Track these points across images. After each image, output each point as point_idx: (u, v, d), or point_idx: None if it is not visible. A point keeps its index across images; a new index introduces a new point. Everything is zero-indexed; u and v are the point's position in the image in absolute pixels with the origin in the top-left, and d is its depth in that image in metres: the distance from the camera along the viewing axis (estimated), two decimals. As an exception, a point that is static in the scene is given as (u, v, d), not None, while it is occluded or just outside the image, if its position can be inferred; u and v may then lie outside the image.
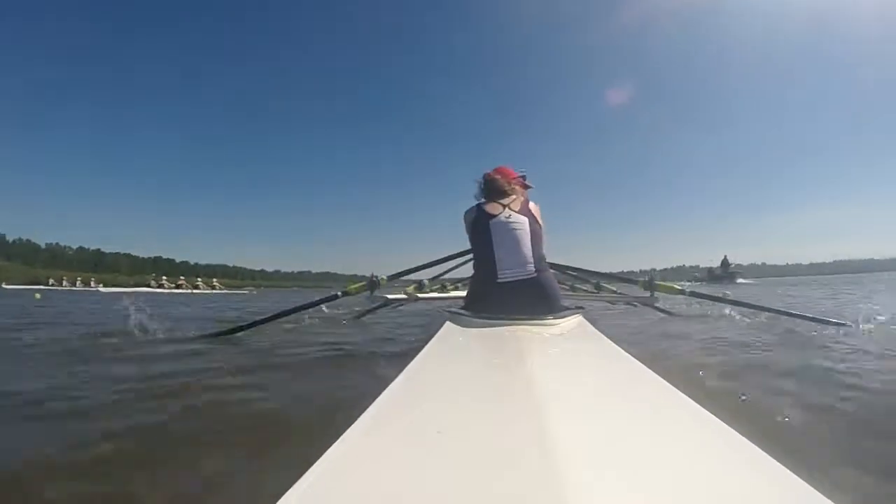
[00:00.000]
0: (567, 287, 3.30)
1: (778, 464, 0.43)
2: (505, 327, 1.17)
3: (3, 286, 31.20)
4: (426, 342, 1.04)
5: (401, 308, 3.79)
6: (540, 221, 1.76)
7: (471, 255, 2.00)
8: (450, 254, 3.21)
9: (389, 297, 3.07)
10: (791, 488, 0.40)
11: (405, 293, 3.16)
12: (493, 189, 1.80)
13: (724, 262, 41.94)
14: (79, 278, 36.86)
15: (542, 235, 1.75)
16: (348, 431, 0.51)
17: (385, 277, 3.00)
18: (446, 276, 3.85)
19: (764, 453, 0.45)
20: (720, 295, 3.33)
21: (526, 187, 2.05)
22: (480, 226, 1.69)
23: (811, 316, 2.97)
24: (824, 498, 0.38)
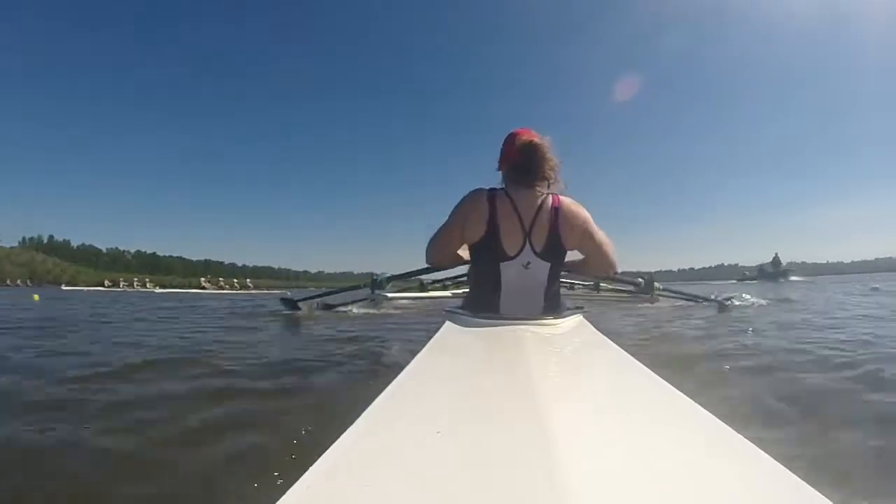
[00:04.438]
0: (567, 286, 3.28)
1: (777, 463, 0.43)
2: (505, 327, 1.16)
3: (63, 287, 34.26)
4: (425, 342, 1.04)
5: (401, 303, 3.84)
6: (571, 240, 1.31)
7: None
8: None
9: (390, 295, 3.13)
10: (791, 489, 0.39)
11: (405, 292, 3.22)
12: (527, 168, 1.30)
13: (776, 260, 39.75)
14: (147, 280, 43.10)
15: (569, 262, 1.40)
16: (348, 432, 0.50)
17: (386, 276, 3.07)
18: (446, 275, 3.93)
19: (763, 453, 0.45)
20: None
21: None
22: (488, 262, 1.32)
23: None
24: (824, 498, 0.37)
